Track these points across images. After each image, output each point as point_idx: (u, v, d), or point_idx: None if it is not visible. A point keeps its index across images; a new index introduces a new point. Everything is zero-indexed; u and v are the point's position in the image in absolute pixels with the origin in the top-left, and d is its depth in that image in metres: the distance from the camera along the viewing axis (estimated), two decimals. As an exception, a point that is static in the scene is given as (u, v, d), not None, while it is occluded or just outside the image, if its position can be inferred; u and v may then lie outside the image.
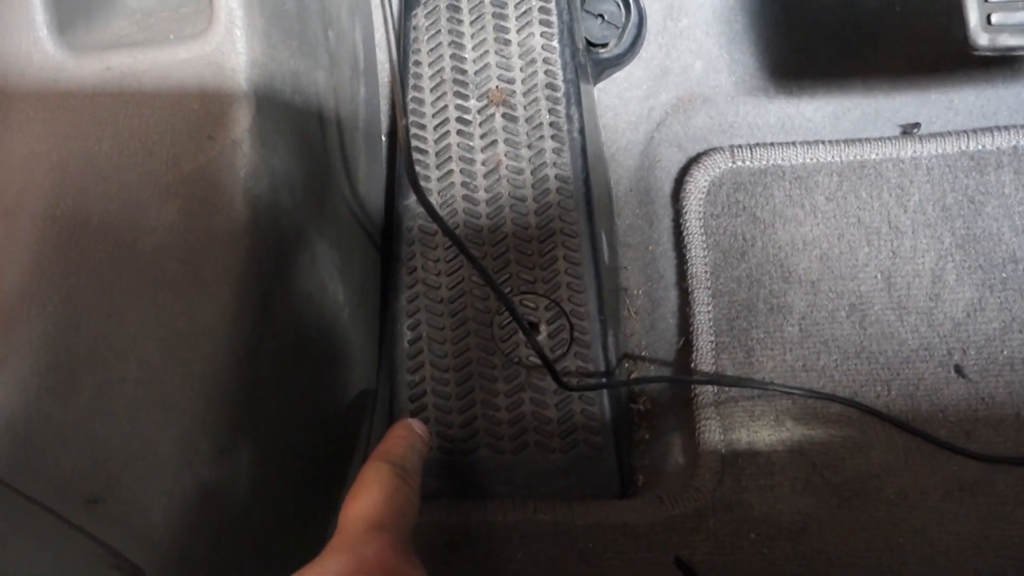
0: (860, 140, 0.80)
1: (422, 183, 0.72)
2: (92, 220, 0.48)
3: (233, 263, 0.50)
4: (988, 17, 0.58)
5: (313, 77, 0.60)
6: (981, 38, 0.58)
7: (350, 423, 0.70)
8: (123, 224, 0.49)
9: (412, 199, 0.72)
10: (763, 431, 0.70)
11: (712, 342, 0.76)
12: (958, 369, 0.72)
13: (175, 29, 0.52)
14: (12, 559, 0.39)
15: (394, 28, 0.75)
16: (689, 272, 0.78)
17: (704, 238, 0.79)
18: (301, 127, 0.58)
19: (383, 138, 0.79)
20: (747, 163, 0.80)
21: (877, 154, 0.79)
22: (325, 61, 0.63)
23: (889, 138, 0.80)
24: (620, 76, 0.85)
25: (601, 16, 0.82)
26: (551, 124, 0.72)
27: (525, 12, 0.74)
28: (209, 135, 0.50)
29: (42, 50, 0.49)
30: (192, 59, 0.50)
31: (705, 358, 0.75)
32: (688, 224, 0.80)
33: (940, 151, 0.79)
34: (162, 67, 0.50)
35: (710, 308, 0.77)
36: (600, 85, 0.85)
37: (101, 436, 0.45)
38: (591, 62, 0.82)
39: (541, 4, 0.73)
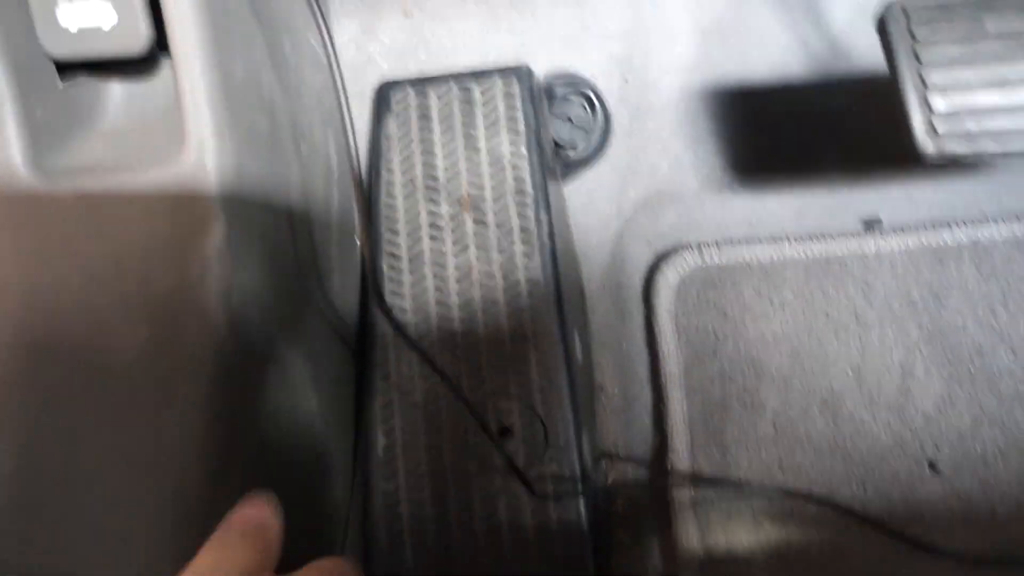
0: (825, 235, 0.82)
1: (395, 287, 0.73)
2: (62, 347, 0.48)
3: (204, 385, 0.50)
4: (934, 127, 0.61)
5: (284, 191, 0.61)
6: (928, 147, 0.60)
7: (324, 534, 0.69)
8: (92, 349, 0.49)
9: (385, 304, 0.73)
10: (741, 533, 0.69)
11: (687, 441, 0.76)
12: (932, 465, 0.72)
13: (149, 150, 0.53)
14: None
15: (353, 137, 0.77)
16: (662, 370, 0.79)
17: (676, 335, 0.80)
18: (272, 242, 0.58)
19: (357, 242, 0.80)
20: (715, 260, 0.82)
21: (842, 249, 0.81)
22: (297, 174, 0.64)
23: (853, 233, 0.82)
24: (589, 175, 0.87)
25: (569, 119, 0.85)
26: (521, 229, 0.73)
27: (494, 120, 0.76)
28: (181, 255, 0.51)
29: (15, 176, 0.49)
30: (164, 181, 0.51)
31: (681, 457, 0.75)
32: (659, 322, 0.80)
33: (902, 246, 0.81)
34: (134, 190, 0.51)
35: (684, 407, 0.77)
36: (570, 184, 0.87)
37: (64, 571, 0.44)
38: (560, 163, 0.84)
39: (509, 112, 0.76)
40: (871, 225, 0.83)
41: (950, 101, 0.60)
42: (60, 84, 0.52)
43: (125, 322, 0.50)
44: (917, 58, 0.61)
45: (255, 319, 0.54)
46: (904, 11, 0.62)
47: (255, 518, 0.47)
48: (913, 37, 0.61)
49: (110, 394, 0.49)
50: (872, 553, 0.66)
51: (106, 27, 0.48)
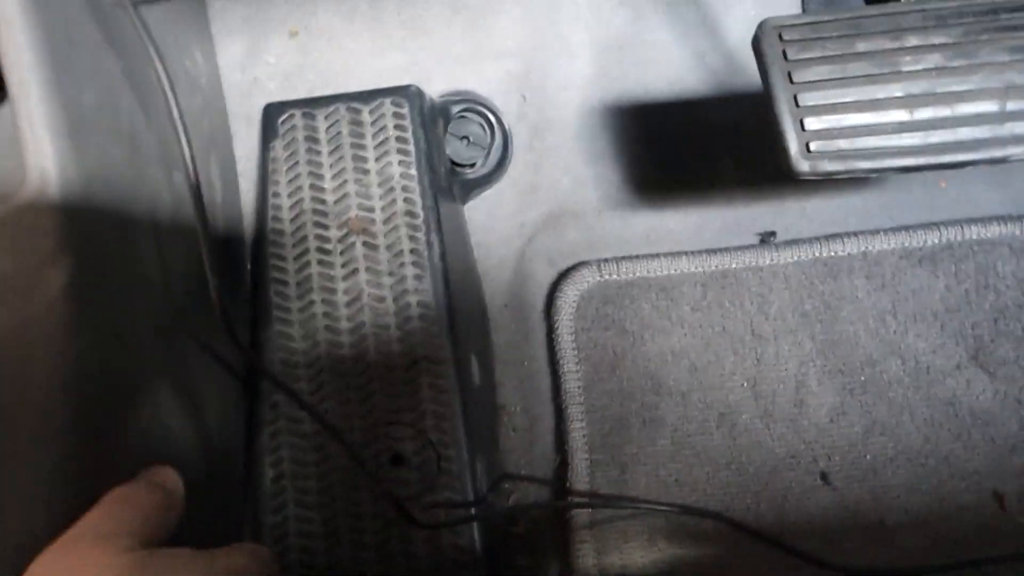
0: (721, 250, 0.83)
1: (283, 314, 0.71)
2: None
3: (54, 430, 0.48)
4: (807, 145, 0.61)
5: (150, 222, 0.59)
6: (802, 165, 0.61)
7: None
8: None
9: (272, 331, 0.71)
10: (636, 553, 0.69)
11: (587, 459, 0.75)
12: (824, 477, 0.73)
13: None
14: None
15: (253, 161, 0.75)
16: (562, 388, 0.78)
17: (576, 353, 0.80)
18: (134, 276, 0.56)
19: (248, 265, 0.78)
20: (614, 276, 0.82)
21: (737, 263, 0.82)
22: (168, 203, 0.62)
23: (748, 247, 0.83)
24: (490, 194, 0.86)
25: (466, 138, 0.84)
26: (412, 251, 0.72)
27: (383, 142, 0.75)
28: (24, 294, 0.48)
29: None
30: (3, 217, 0.48)
31: (580, 477, 0.74)
32: (560, 339, 0.80)
33: (796, 258, 0.82)
34: (-27, 229, 0.48)
35: (584, 425, 0.77)
36: (471, 203, 0.86)
37: None
38: (458, 183, 0.84)
39: (398, 134, 0.75)
40: (766, 238, 0.84)
41: (822, 120, 0.61)
42: None
43: None
44: (790, 78, 0.61)
45: (114, 357, 0.52)
46: (777, 31, 0.62)
47: (156, 480, 0.50)
48: (786, 57, 0.62)
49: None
50: (763, 568, 0.67)
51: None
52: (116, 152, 0.54)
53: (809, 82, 0.61)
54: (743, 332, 0.80)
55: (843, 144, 0.61)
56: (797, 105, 0.61)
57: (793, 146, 0.61)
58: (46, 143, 0.48)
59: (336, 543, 0.67)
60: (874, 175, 0.61)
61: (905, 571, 0.66)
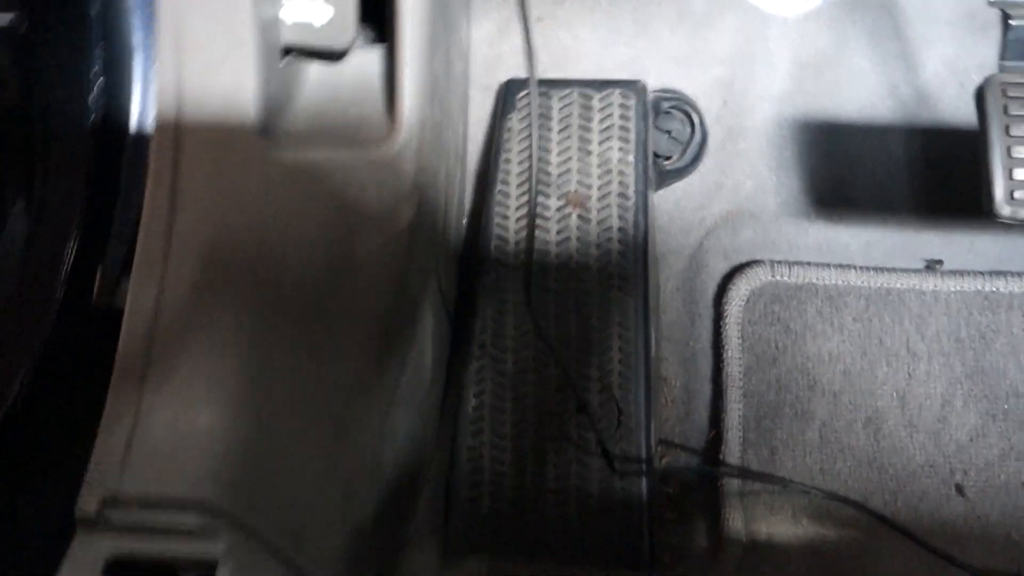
0: (889, 269, 0.89)
1: (501, 269, 0.82)
2: (282, 287, 0.57)
3: (375, 333, 0.60)
4: (1011, 193, 0.68)
5: (439, 171, 0.70)
6: (1004, 209, 0.68)
7: (414, 466, 0.78)
8: (303, 295, 0.58)
9: (491, 278, 0.81)
10: (781, 526, 0.78)
11: (740, 437, 0.84)
12: (959, 488, 0.80)
13: (343, 129, 0.61)
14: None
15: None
16: (724, 371, 0.87)
17: (740, 342, 0.88)
18: (431, 217, 0.67)
19: (464, 220, 0.89)
20: (785, 278, 0.90)
21: (902, 284, 0.89)
22: (445, 155, 0.73)
23: (914, 270, 0.90)
24: (679, 186, 0.95)
25: (669, 132, 0.92)
26: (620, 229, 0.81)
27: (607, 128, 0.84)
28: (380, 228, 0.59)
29: (249, 139, 0.57)
30: (375, 161, 0.59)
31: (733, 452, 0.83)
32: (727, 327, 0.89)
33: (958, 288, 0.88)
34: (347, 165, 0.59)
35: (740, 406, 0.85)
36: (660, 192, 0.95)
37: (292, 479, 0.53)
38: (655, 172, 0.92)
39: (622, 123, 0.83)
40: (932, 265, 0.91)
41: (1030, 172, 0.67)
42: (281, 63, 0.60)
43: (330, 278, 0.59)
44: (1007, 130, 0.68)
45: (416, 285, 0.64)
46: (1003, 86, 0.69)
47: None
48: (1006, 111, 0.68)
49: (315, 334, 0.58)
50: (898, 557, 0.75)
51: (318, 23, 0.57)
52: (436, 113, 0.65)
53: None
54: (899, 347, 0.87)
55: (1046, 197, 0.67)
56: (1009, 156, 0.68)
57: (999, 191, 0.67)
58: (415, 105, 0.59)
59: (522, 471, 0.78)
60: (1069, 228, 0.68)
61: (1028, 581, 0.73)
